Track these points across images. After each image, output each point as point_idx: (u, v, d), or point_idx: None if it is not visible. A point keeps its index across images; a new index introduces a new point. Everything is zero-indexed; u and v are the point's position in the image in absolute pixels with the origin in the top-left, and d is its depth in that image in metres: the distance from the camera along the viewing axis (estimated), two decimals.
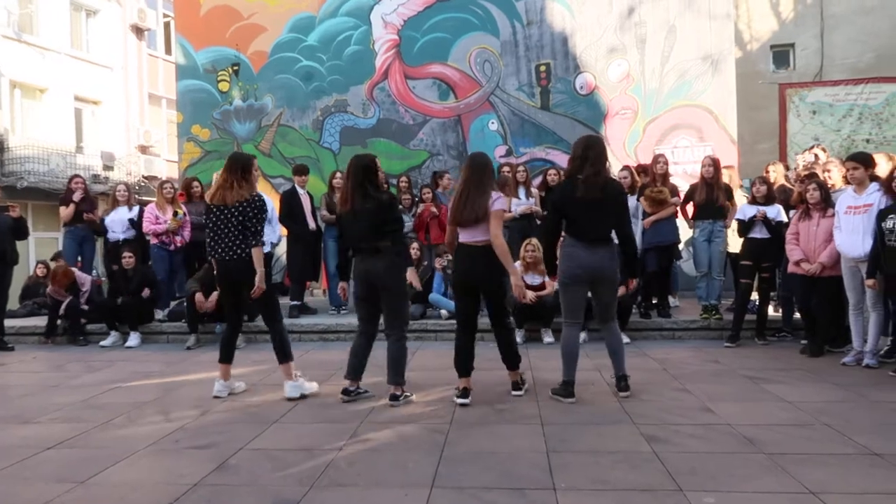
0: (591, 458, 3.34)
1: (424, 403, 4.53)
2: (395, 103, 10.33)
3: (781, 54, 18.16)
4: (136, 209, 7.91)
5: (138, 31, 20.38)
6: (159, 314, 7.71)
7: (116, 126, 19.53)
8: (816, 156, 7.54)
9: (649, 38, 9.67)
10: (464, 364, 4.64)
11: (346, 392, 4.58)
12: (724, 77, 9.53)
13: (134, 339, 7.22)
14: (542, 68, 10.00)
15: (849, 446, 3.43)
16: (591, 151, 4.42)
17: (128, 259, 7.30)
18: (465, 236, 4.50)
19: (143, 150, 20.07)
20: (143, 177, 19.39)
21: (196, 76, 11.04)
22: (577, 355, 4.58)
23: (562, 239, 4.55)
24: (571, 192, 4.39)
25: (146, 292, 7.33)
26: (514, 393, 4.67)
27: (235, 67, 10.90)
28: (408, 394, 4.57)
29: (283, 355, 4.79)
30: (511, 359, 4.71)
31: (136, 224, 7.72)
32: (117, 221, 7.81)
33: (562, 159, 9.47)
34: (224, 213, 4.67)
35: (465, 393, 4.63)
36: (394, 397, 4.48)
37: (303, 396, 4.72)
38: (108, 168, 18.57)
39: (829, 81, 14.68)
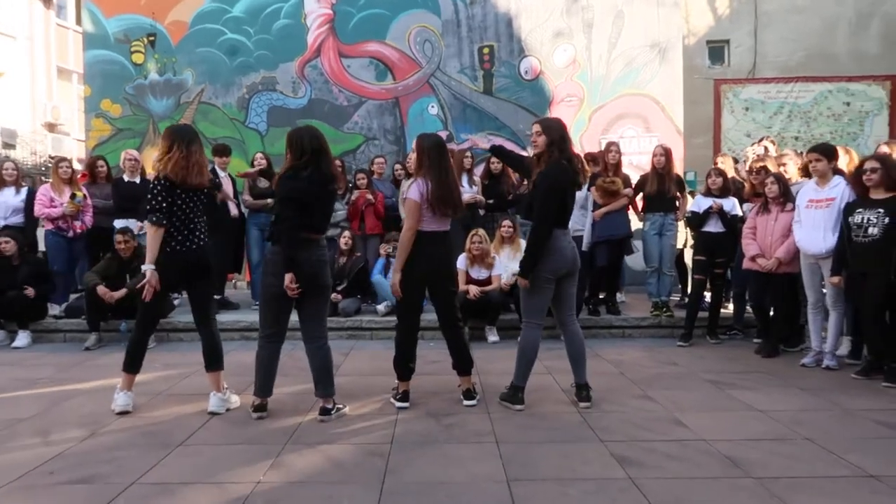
0: (558, 487, 2.84)
1: (360, 417, 3.94)
2: (328, 83, 9.61)
3: (717, 50, 18.32)
4: (24, 191, 6.93)
5: None
6: (56, 309, 6.80)
7: (20, 101, 17.87)
8: (766, 148, 7.34)
9: (596, 22, 9.31)
10: (408, 363, 4.14)
11: (324, 412, 3.90)
12: (671, 66, 9.28)
13: (22, 338, 6.29)
14: (486, 51, 9.50)
15: (841, 467, 3.07)
16: (565, 135, 3.99)
17: (4, 245, 6.30)
18: (436, 224, 4.03)
19: (51, 127, 18.47)
20: (50, 156, 17.81)
21: (106, 46, 9.96)
22: (534, 360, 4.09)
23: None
24: (567, 178, 3.92)
25: (30, 291, 6.37)
26: (466, 402, 4.15)
27: (151, 38, 9.90)
28: (340, 406, 3.96)
29: (215, 361, 4.11)
30: (464, 363, 4.19)
31: (26, 209, 6.76)
32: (1, 204, 6.82)
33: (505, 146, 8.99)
34: (198, 197, 4.06)
35: (405, 396, 4.10)
36: (325, 411, 3.86)
37: (226, 410, 4.05)
38: (8, 146, 16.95)
39: (762, 79, 14.85)
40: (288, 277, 3.75)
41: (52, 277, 6.66)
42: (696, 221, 6.19)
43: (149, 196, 3.87)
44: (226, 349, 6.02)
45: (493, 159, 7.64)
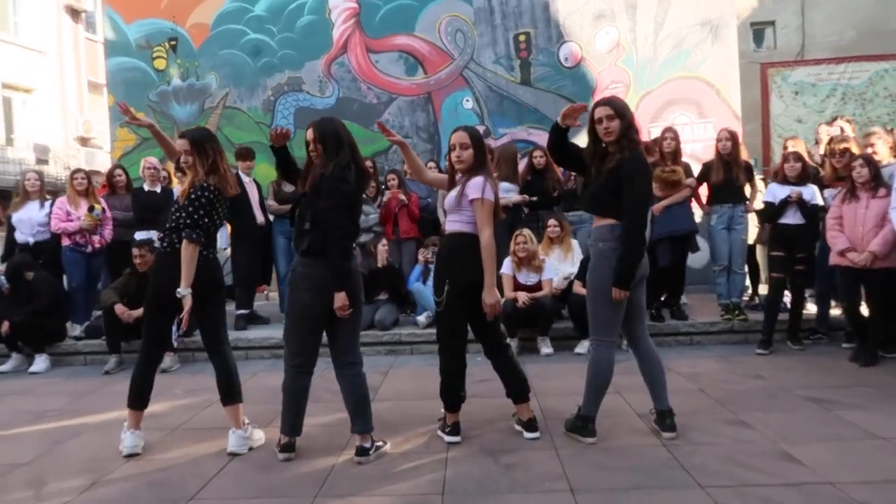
0: None
1: (403, 456, 3.36)
2: (356, 80, 9.10)
3: (761, 32, 17.40)
4: (48, 204, 6.53)
5: (74, 12, 18.70)
6: (76, 329, 6.38)
7: (52, 116, 17.82)
8: (842, 129, 6.58)
9: (640, 2, 8.61)
10: (456, 391, 3.54)
11: (362, 452, 3.33)
12: (725, 45, 8.53)
13: (40, 363, 5.88)
14: (522, 38, 8.87)
15: None
16: None
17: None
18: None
19: (84, 141, 18.43)
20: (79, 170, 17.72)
21: (128, 53, 9.63)
22: (608, 386, 3.46)
23: (605, 224, 3.39)
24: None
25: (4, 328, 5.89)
26: (528, 436, 3.53)
27: (173, 42, 9.53)
28: (379, 443, 3.39)
29: (231, 393, 3.57)
30: (519, 388, 3.58)
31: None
32: (26, 221, 6.43)
33: (546, 140, 8.34)
34: (225, 208, 3.63)
35: (455, 429, 3.51)
36: (362, 451, 3.29)
37: (249, 449, 3.52)
38: (41, 161, 16.87)
39: (811, 60, 13.98)
40: (340, 298, 3.19)
41: (60, 300, 6.21)
42: (772, 213, 5.47)
43: (190, 208, 3.37)
44: (253, 370, 5.61)
45: (536, 153, 7.03)
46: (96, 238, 6.44)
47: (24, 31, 17.41)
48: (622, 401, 4.06)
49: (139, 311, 5.55)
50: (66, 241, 6.37)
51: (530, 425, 3.53)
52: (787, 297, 5.63)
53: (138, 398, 3.50)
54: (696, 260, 6.91)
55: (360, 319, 3.48)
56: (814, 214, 5.43)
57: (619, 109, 3.34)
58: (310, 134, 3.38)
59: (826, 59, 13.16)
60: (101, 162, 17.97)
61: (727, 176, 5.86)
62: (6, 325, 5.86)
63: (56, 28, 18.15)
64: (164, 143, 3.90)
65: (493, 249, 3.37)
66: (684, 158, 6.44)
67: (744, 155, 6.18)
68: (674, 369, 4.93)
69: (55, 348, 6.11)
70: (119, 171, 7.18)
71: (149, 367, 3.55)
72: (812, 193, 5.48)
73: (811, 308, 5.99)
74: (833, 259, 5.10)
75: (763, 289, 7.27)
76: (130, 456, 3.42)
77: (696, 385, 4.47)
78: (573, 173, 6.85)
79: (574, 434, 3.47)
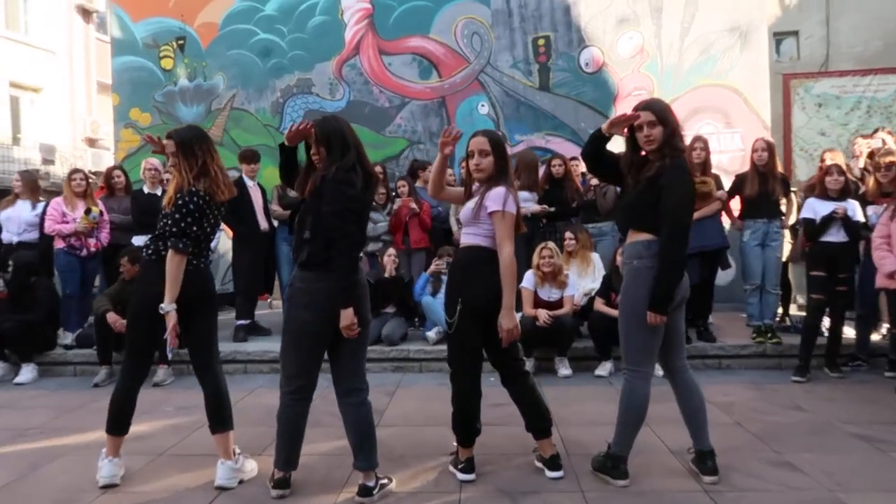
0: None
1: (410, 496, 3.00)
2: (367, 83, 8.79)
3: (784, 42, 16.98)
4: (41, 206, 6.25)
5: (85, 12, 18.53)
6: (68, 337, 6.06)
7: (60, 116, 17.63)
8: (884, 140, 6.20)
9: (666, 6, 8.26)
10: (470, 424, 3.17)
11: (365, 492, 2.95)
12: (754, 52, 8.16)
13: (26, 373, 5.54)
14: (541, 42, 8.54)
15: None
16: None
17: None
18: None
19: (91, 142, 18.23)
20: (91, 172, 17.50)
21: (135, 52, 9.37)
22: (643, 421, 3.09)
23: (641, 240, 3.04)
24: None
25: None
26: (550, 475, 3.16)
27: (180, 42, 9.26)
28: (384, 481, 3.02)
29: (221, 420, 3.23)
30: (541, 421, 3.22)
31: (41, 224, 6.09)
32: (14, 219, 6.16)
33: (565, 148, 8.03)
34: (220, 213, 3.32)
35: (469, 465, 3.14)
36: (365, 491, 2.92)
37: (239, 483, 3.16)
38: (47, 161, 16.68)
39: (836, 72, 13.57)
40: (347, 315, 2.83)
41: (56, 310, 5.91)
42: (814, 230, 5.08)
43: (177, 215, 3.03)
44: (251, 386, 5.26)
45: (555, 161, 6.68)
46: (92, 241, 6.13)
47: (35, 30, 17.25)
48: (653, 435, 3.67)
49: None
50: (59, 244, 6.07)
51: (553, 463, 3.16)
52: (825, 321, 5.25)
53: (117, 422, 3.15)
54: (721, 277, 6.52)
55: (367, 340, 3.13)
56: (856, 232, 5.05)
57: (660, 114, 2.98)
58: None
59: (851, 71, 12.77)
60: (108, 163, 17.61)
61: (763, 189, 5.48)
62: None
63: (66, 28, 17.98)
64: None
65: (514, 268, 3.01)
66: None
67: (779, 167, 5.80)
68: (706, 397, 4.53)
69: (44, 357, 5.79)
70: (118, 172, 6.89)
71: (130, 387, 3.20)
72: (854, 209, 5.09)
73: (849, 332, 5.59)
74: (880, 281, 4.71)
75: (794, 309, 6.90)
76: (107, 487, 3.07)
77: (731, 417, 4.08)
78: (593, 184, 6.53)
79: (603, 475, 3.09)
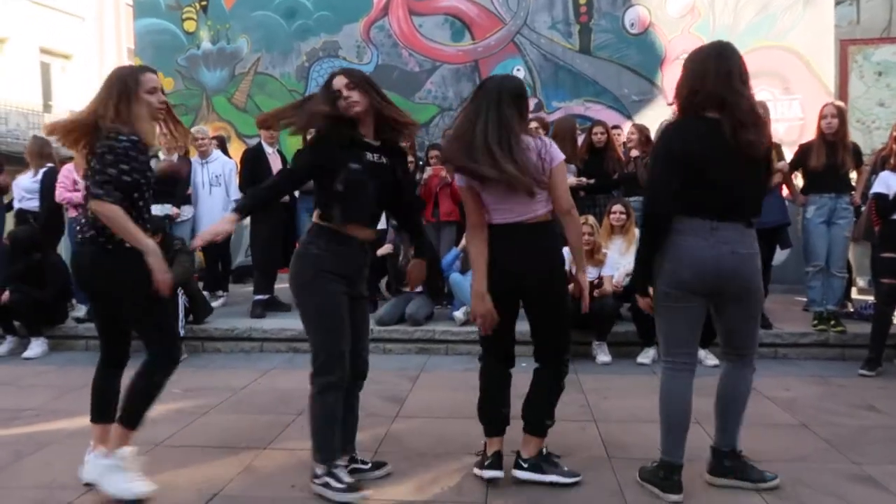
0: None
1: None
2: (396, 45, 8.35)
3: (843, 6, 15.95)
4: (41, 172, 6.00)
5: None
6: (82, 311, 5.82)
7: (90, 83, 17.52)
8: None
9: None
10: (496, 412, 2.81)
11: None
12: (818, 11, 7.55)
13: (36, 347, 5.30)
14: (582, 1, 7.95)
15: None
16: (734, 67, 2.51)
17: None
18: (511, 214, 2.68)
19: None
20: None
21: (157, 14, 9.07)
22: (687, 423, 2.65)
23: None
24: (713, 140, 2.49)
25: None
26: (516, 473, 2.74)
27: (203, 3, 8.94)
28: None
29: (129, 414, 2.69)
30: (543, 412, 2.79)
31: (41, 190, 5.84)
32: (15, 186, 6.00)
33: (606, 115, 7.50)
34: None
35: (495, 461, 2.74)
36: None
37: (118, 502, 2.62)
38: None
39: None
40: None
41: (67, 285, 5.63)
42: (887, 207, 4.52)
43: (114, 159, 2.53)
44: (265, 367, 4.93)
45: (597, 129, 6.18)
46: None
47: None
48: (702, 433, 3.20)
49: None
50: (72, 213, 5.80)
51: (539, 463, 2.75)
52: None
53: (99, 407, 2.79)
54: (775, 257, 5.98)
55: None
56: None
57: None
58: (341, 80, 2.64)
59: None
60: None
61: (831, 160, 4.91)
62: (6, 294, 5.31)
63: None
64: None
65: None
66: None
67: (850, 136, 5.21)
68: (761, 391, 4.05)
69: (55, 331, 5.55)
70: None
71: (108, 372, 2.84)
72: None
73: None
74: None
75: (858, 295, 6.34)
76: (90, 485, 2.74)
77: (795, 418, 3.60)
78: (633, 155, 6.03)
79: (651, 486, 2.67)
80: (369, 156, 2.66)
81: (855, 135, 10.29)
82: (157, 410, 3.58)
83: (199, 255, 6.52)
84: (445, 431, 3.42)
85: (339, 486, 2.57)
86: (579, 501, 2.63)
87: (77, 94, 17.01)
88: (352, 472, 2.71)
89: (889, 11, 15.54)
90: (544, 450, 2.80)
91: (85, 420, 2.85)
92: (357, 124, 2.67)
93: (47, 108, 16.38)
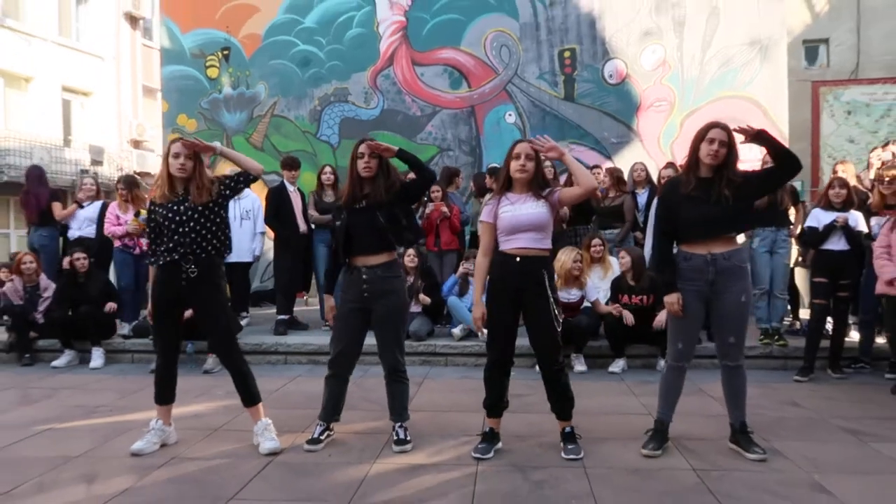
0: None
1: (433, 466, 3.43)
2: (400, 92, 9.29)
3: (814, 49, 17.04)
4: (97, 205, 6.90)
5: (132, 19, 19.36)
6: (125, 328, 6.64)
7: (108, 119, 18.50)
8: (894, 153, 6.45)
9: (689, 20, 8.61)
10: (497, 400, 3.65)
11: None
12: (773, 66, 8.47)
13: (97, 357, 6.14)
14: (567, 54, 8.94)
15: None
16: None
17: (81, 261, 6.25)
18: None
19: (136, 144, 19.05)
20: (136, 172, 18.31)
21: (183, 61, 10.00)
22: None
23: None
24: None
25: (110, 306, 6.31)
26: (566, 456, 3.54)
27: (226, 52, 9.87)
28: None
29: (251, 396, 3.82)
30: (565, 404, 3.67)
31: (98, 221, 6.77)
32: (80, 217, 6.93)
33: (588, 156, 8.42)
34: None
35: (492, 437, 3.61)
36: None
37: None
38: (96, 163, 17.52)
39: (866, 80, 13.67)
40: None
41: (116, 295, 6.55)
42: (815, 238, 5.40)
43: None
44: (291, 374, 5.76)
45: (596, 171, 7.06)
46: (143, 241, 6.70)
47: (85, 37, 18.13)
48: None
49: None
50: (117, 243, 6.66)
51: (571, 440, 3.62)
52: (829, 324, 5.55)
53: (169, 391, 3.80)
54: None
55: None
56: (858, 241, 5.35)
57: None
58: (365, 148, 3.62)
59: (882, 79, 12.84)
60: (152, 164, 18.55)
61: (772, 199, 5.79)
62: (111, 305, 6.39)
63: (115, 34, 18.83)
64: (236, 160, 3.84)
65: None
66: None
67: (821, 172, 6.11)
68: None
69: (106, 345, 6.36)
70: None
71: (165, 362, 3.82)
72: (856, 220, 5.40)
73: (854, 336, 5.88)
74: (880, 288, 5.00)
75: (804, 314, 7.16)
76: (135, 455, 3.60)
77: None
78: (609, 191, 6.90)
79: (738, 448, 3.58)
80: None
81: (826, 170, 11.21)
82: (207, 406, 4.44)
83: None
84: (446, 420, 4.22)
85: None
86: (553, 464, 3.43)
87: (95, 129, 17.99)
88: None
89: (857, 55, 16.68)
90: (567, 428, 3.65)
91: (152, 412, 3.73)
92: None
93: (67, 142, 17.30)
